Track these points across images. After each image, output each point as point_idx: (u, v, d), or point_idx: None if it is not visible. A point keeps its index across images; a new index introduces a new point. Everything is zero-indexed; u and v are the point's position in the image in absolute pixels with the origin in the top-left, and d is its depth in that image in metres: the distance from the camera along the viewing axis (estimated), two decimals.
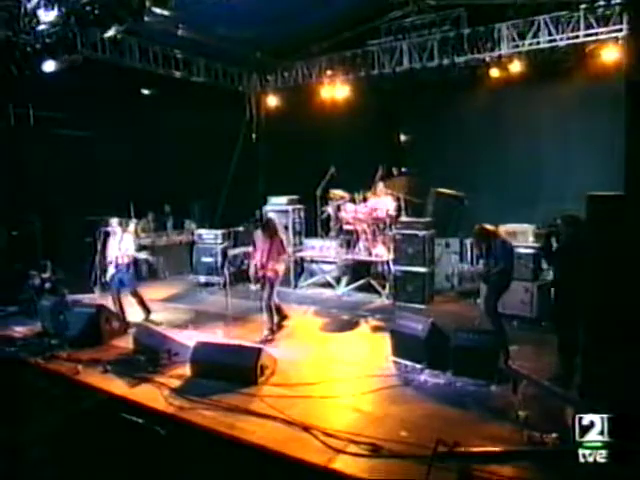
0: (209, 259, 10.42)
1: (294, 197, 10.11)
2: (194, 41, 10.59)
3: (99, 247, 7.59)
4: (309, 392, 5.15)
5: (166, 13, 6.47)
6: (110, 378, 5.61)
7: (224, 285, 8.33)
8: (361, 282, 9.33)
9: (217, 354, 5.62)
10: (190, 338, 6.98)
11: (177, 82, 11.98)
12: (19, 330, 7.42)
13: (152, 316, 8.10)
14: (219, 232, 10.52)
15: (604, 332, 3.91)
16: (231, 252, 10.69)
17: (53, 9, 7.02)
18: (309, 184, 9.74)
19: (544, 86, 10.46)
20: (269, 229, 7.03)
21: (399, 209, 9.54)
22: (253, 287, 10.07)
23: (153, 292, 10.06)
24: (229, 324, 7.54)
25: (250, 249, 9.43)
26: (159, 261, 11.66)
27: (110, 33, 6.88)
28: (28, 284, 8.19)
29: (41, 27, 7.39)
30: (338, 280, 9.67)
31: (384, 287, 8.87)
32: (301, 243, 10.15)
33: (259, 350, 5.52)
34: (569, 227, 4.91)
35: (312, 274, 10.14)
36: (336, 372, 5.72)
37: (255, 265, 7.13)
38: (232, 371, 5.41)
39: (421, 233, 8.27)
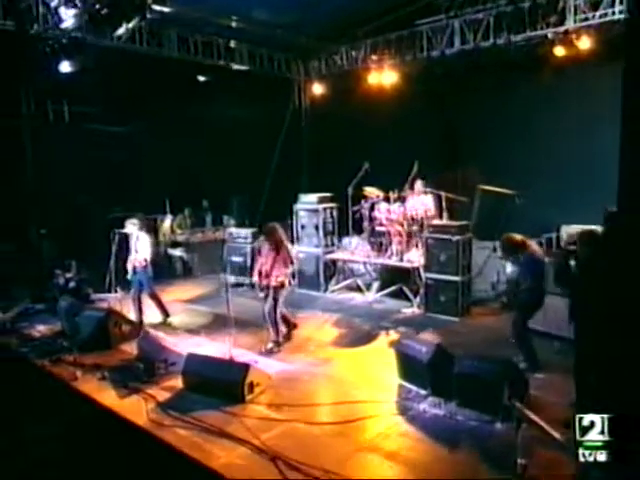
0: (239, 259, 10.67)
1: (326, 195, 10.09)
2: (235, 29, 10.73)
3: (114, 249, 8.01)
4: (295, 415, 5.17)
5: (165, 9, 6.64)
6: (104, 387, 5.94)
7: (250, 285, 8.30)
8: (393, 288, 9.19)
9: (207, 368, 5.78)
10: (199, 345, 7.31)
11: (218, 71, 12.26)
12: (40, 329, 8.05)
13: (171, 319, 8.50)
14: (249, 231, 10.74)
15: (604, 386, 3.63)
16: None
17: (75, 6, 7.47)
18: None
19: (618, 66, 9.62)
20: (273, 237, 7.06)
21: (440, 209, 9.26)
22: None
23: (181, 291, 10.54)
24: (243, 331, 7.73)
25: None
26: (193, 258, 12.15)
27: (121, 31, 7.17)
28: (53, 283, 8.83)
29: (64, 24, 7.89)
30: (369, 285, 9.58)
31: (417, 295, 8.67)
32: (333, 244, 10.13)
33: (247, 367, 5.61)
34: (584, 247, 4.52)
35: (345, 276, 10.12)
36: (332, 394, 5.70)
37: (259, 273, 7.20)
38: (220, 387, 5.56)
39: (455, 238, 7.96)
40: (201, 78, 12.49)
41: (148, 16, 6.69)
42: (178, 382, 5.92)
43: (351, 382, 5.97)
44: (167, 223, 12.31)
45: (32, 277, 9.35)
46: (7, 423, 5.51)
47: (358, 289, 9.73)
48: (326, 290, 9.93)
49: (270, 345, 7.03)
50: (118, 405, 5.50)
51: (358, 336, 7.55)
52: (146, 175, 11.86)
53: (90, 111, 11.34)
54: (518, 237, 5.91)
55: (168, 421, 5.11)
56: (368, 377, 6.11)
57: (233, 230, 11.11)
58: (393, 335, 7.53)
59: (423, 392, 5.49)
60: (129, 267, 8.12)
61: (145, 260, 8.09)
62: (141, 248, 8.09)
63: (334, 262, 10.12)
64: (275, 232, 7.14)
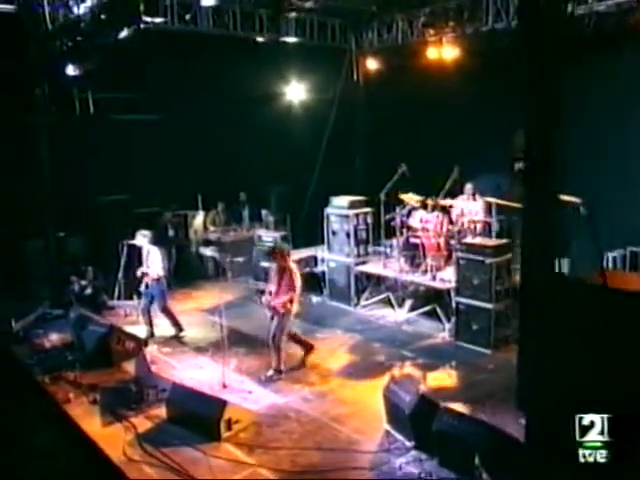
0: (267, 264, 11.35)
1: (358, 199, 10.49)
2: None
3: (122, 261, 8.97)
4: (264, 459, 5.80)
5: (158, 20, 7.29)
6: (92, 412, 6.89)
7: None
8: (427, 309, 9.50)
9: (189, 401, 6.53)
10: (200, 368, 8.14)
11: (254, 47, 12.74)
12: (52, 339, 9.24)
13: (185, 332, 9.41)
14: (277, 235, 11.39)
15: None
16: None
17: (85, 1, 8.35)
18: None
19: None
20: (278, 259, 7.66)
21: (488, 219, 9.42)
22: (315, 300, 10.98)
23: (205, 298, 11.42)
24: (252, 352, 8.47)
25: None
26: (225, 259, 12.93)
27: (124, 34, 7.93)
28: (68, 289, 10.02)
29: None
30: (402, 301, 9.94)
31: (450, 319, 8.94)
32: (367, 253, 10.54)
33: (224, 403, 6.29)
34: None
35: (379, 289, 10.53)
36: (311, 437, 6.23)
37: (270, 292, 7.85)
38: (199, 422, 6.29)
39: (488, 260, 8.12)
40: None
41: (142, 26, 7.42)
42: (163, 411, 6.74)
43: (338, 423, 6.48)
44: (199, 219, 13.21)
45: (51, 280, 10.61)
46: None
47: (391, 305, 10.12)
48: (357, 304, 10.41)
49: (270, 372, 7.69)
50: (99, 434, 6.40)
51: (369, 367, 8.01)
52: (178, 167, 12.77)
53: (118, 97, 12.31)
54: None
55: (139, 456, 5.92)
56: (359, 418, 6.59)
57: (262, 232, 11.79)
58: (408, 368, 7.93)
59: (408, 443, 5.91)
60: (143, 280, 9.06)
61: (158, 275, 8.98)
62: (152, 263, 8.98)
63: (368, 277, 10.53)
64: (281, 254, 7.76)
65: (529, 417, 4.65)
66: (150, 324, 9.23)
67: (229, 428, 6.24)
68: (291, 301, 7.59)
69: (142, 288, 9.23)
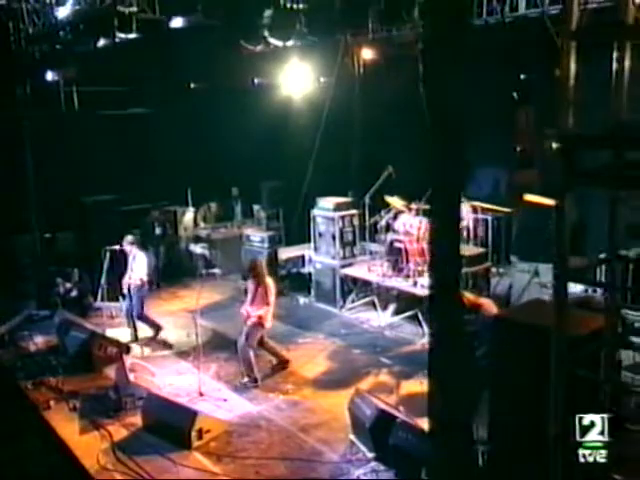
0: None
1: (344, 200, 11.04)
2: None
3: (105, 266, 9.64)
4: (230, 469, 6.48)
5: (131, 36, 7.85)
6: (71, 419, 7.60)
7: None
8: (409, 313, 10.08)
9: (162, 410, 7.20)
10: (180, 374, 8.82)
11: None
12: (38, 341, 9.95)
13: (167, 335, 10.09)
14: (265, 235, 11.99)
15: None
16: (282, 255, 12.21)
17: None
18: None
19: None
20: (254, 272, 8.36)
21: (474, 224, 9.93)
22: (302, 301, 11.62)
23: (191, 297, 11.91)
24: (232, 357, 9.11)
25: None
26: (217, 256, 13.56)
27: (101, 43, 8.50)
28: (54, 292, 10.73)
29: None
30: (386, 305, 10.52)
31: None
32: (353, 256, 11.11)
33: (194, 413, 6.95)
34: None
35: (365, 291, 11.12)
36: (279, 447, 6.87)
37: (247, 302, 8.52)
38: (171, 430, 6.96)
39: (463, 269, 8.65)
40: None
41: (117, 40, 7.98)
42: (139, 419, 7.42)
43: (305, 434, 7.13)
44: (189, 216, 13.84)
45: (37, 280, 11.34)
46: None
47: (376, 307, 10.72)
48: (343, 307, 11.02)
49: (245, 380, 8.34)
50: (76, 442, 7.11)
51: (345, 375, 8.60)
52: (167, 162, 13.40)
53: (104, 91, 12.87)
54: (470, 295, 6.68)
55: (111, 464, 6.62)
56: (326, 429, 7.21)
57: (250, 231, 12.39)
58: (383, 377, 8.53)
59: (370, 455, 6.54)
60: (124, 285, 9.73)
61: (141, 280, 9.64)
62: (137, 267, 9.64)
63: (355, 280, 11.11)
64: (256, 268, 8.49)
65: None
66: (134, 327, 9.91)
67: (200, 437, 6.91)
68: (263, 315, 8.24)
69: (125, 291, 9.90)
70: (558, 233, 3.87)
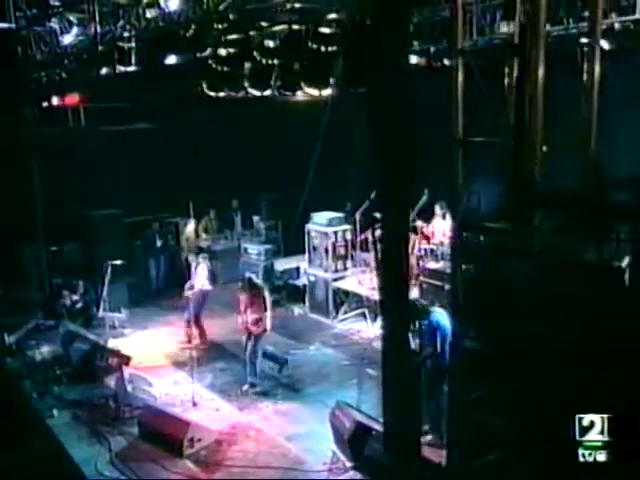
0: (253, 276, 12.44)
1: (337, 215, 11.49)
2: None
3: (106, 280, 10.20)
4: (219, 477, 6.98)
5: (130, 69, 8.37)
6: (73, 427, 8.13)
7: None
8: None
9: (157, 421, 7.71)
10: (176, 384, 9.32)
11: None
12: (43, 351, 10.47)
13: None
14: (262, 247, 12.46)
15: None
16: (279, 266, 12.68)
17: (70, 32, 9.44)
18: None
19: None
20: (248, 289, 8.99)
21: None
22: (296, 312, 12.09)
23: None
24: (228, 366, 9.63)
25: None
26: (217, 268, 13.98)
27: (104, 71, 9.01)
28: (59, 303, 11.26)
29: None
30: (376, 317, 10.95)
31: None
32: (345, 269, 11.57)
33: (187, 424, 7.45)
34: None
35: (357, 302, 11.58)
36: (265, 455, 7.36)
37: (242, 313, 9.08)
38: (164, 440, 7.47)
39: (447, 286, 9.08)
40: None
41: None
42: (136, 429, 7.92)
43: (293, 442, 7.61)
44: (190, 227, 14.28)
45: (44, 292, 11.89)
46: None
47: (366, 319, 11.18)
48: (335, 318, 11.48)
49: (245, 387, 8.92)
50: (77, 449, 7.63)
51: (333, 386, 9.08)
52: (169, 175, 13.85)
53: (108, 107, 13.31)
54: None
55: (108, 471, 7.13)
56: (313, 438, 7.68)
57: (248, 244, 12.86)
58: (367, 388, 8.95)
59: (349, 464, 7.00)
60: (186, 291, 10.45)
61: (202, 287, 10.44)
62: (199, 276, 10.47)
63: (349, 293, 11.56)
64: (250, 286, 9.14)
65: None
66: (190, 331, 10.49)
67: (192, 446, 7.41)
68: (263, 319, 8.89)
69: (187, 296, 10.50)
70: None
